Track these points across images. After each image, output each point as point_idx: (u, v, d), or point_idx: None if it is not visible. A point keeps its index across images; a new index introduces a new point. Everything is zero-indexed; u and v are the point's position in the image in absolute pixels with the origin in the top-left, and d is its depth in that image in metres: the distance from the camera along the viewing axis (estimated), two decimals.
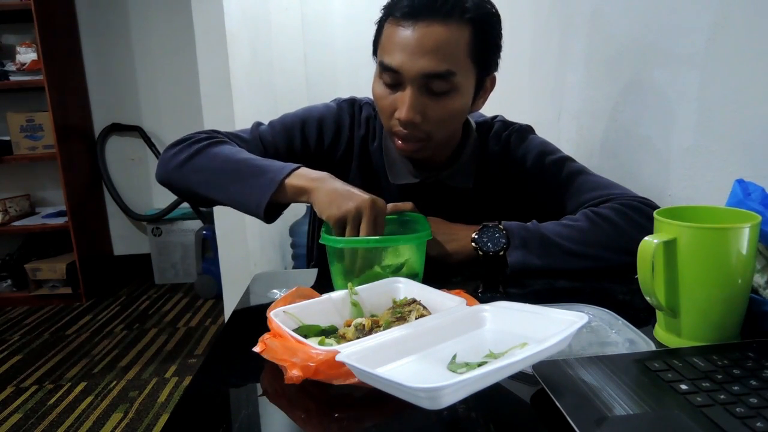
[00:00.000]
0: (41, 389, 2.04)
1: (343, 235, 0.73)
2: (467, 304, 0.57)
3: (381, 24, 0.85)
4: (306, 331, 0.55)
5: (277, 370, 0.52)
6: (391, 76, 0.82)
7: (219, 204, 0.86)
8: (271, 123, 0.99)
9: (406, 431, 0.45)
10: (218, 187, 0.83)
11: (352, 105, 1.01)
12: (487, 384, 0.42)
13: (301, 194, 0.78)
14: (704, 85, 0.81)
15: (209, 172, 0.84)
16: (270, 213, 0.81)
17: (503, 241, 0.80)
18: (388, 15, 0.83)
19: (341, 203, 0.73)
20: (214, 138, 0.90)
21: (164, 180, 0.89)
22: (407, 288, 0.64)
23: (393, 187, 0.95)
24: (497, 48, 0.87)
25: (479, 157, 0.98)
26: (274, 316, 0.55)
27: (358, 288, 0.63)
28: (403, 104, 0.81)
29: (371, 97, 1.03)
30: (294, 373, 0.48)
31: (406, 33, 0.79)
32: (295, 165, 0.81)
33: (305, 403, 0.49)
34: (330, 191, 0.76)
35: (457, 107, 0.84)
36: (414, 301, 0.60)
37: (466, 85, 0.83)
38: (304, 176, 0.79)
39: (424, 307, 0.58)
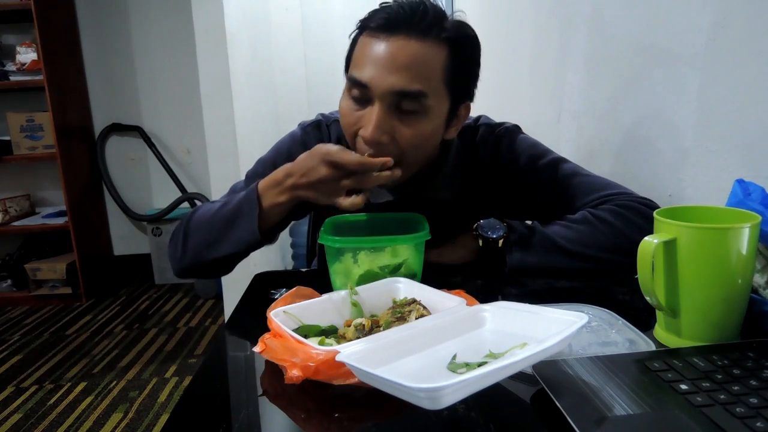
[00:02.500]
0: (41, 389, 2.04)
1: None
2: (467, 304, 0.57)
3: (355, 39, 0.81)
4: (306, 331, 0.55)
5: (277, 370, 0.52)
6: (360, 91, 0.77)
7: (231, 258, 0.85)
8: (247, 176, 0.97)
9: (406, 431, 0.45)
10: (220, 247, 0.83)
11: (318, 127, 0.97)
12: (487, 384, 0.42)
13: (278, 201, 0.79)
14: (704, 85, 0.81)
15: (204, 243, 0.84)
16: (267, 235, 0.83)
17: (502, 230, 0.81)
18: (364, 29, 0.79)
19: (314, 190, 0.76)
20: (190, 213, 0.90)
21: (182, 271, 0.88)
22: (407, 288, 0.64)
23: (373, 206, 0.91)
24: (474, 76, 0.84)
25: (464, 165, 0.94)
26: (274, 316, 0.55)
27: (358, 288, 0.63)
28: (369, 122, 0.75)
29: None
30: (294, 373, 0.48)
31: (379, 47, 0.75)
32: (253, 186, 0.81)
33: (305, 403, 0.49)
34: (310, 189, 0.76)
35: (427, 132, 0.79)
36: (414, 301, 0.60)
37: (437, 110, 0.79)
38: (266, 190, 0.80)
39: (424, 307, 0.58)
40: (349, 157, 0.73)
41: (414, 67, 0.74)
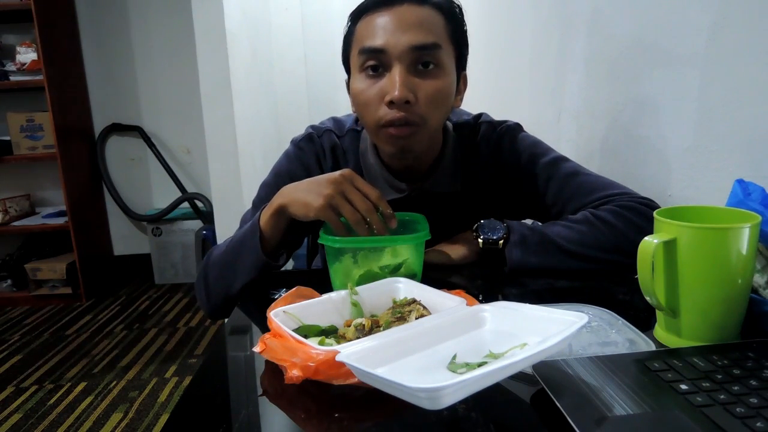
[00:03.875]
0: (41, 389, 2.04)
1: (340, 224, 0.73)
2: (467, 304, 0.57)
3: (351, 29, 0.85)
4: (306, 331, 0.55)
5: (277, 370, 0.52)
6: (376, 59, 0.80)
7: (247, 284, 0.83)
8: (253, 204, 0.97)
9: (406, 431, 0.45)
10: (234, 279, 0.82)
11: (311, 140, 0.97)
12: (487, 384, 0.42)
13: (278, 215, 0.78)
14: (704, 85, 0.81)
15: (222, 278, 0.84)
16: (274, 256, 0.81)
17: (503, 231, 0.82)
18: (359, 16, 0.83)
19: (316, 193, 0.74)
20: (207, 254, 0.89)
21: (212, 312, 0.87)
22: (407, 288, 0.64)
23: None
24: (466, 41, 0.88)
25: (466, 161, 0.96)
26: (274, 316, 0.55)
27: (358, 288, 0.63)
28: (393, 85, 0.78)
29: (336, 116, 1.01)
30: (294, 373, 0.48)
31: (384, 17, 0.80)
32: (260, 211, 0.81)
33: (305, 403, 0.49)
34: (297, 191, 0.76)
35: (446, 87, 0.82)
36: (414, 301, 0.60)
37: (450, 66, 0.83)
38: (267, 206, 0.80)
39: (424, 307, 0.58)
40: (372, 187, 0.75)
41: (423, 24, 0.80)
